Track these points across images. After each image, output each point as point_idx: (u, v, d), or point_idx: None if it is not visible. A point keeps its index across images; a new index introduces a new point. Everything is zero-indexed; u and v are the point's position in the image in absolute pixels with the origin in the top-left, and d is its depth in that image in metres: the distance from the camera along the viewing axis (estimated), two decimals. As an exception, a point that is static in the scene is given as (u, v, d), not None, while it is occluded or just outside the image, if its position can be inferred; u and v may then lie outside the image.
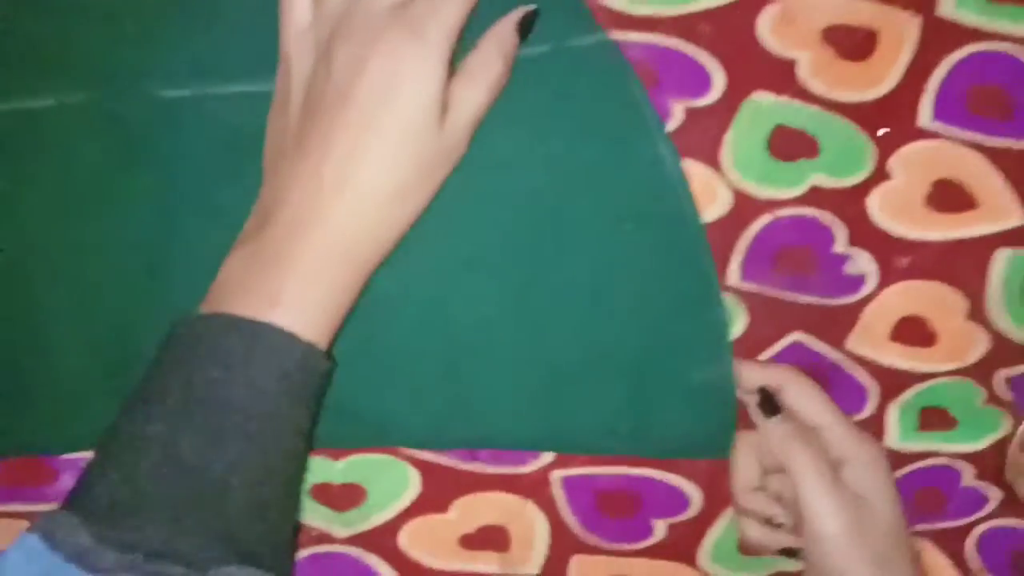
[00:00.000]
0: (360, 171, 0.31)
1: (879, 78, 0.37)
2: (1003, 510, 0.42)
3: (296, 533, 0.40)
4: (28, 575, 0.26)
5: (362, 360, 0.36)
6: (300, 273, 0.31)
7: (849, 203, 0.38)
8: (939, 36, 0.37)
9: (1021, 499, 0.41)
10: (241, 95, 0.36)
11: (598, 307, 0.38)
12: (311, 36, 0.33)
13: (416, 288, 0.37)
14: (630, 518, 0.41)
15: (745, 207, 0.38)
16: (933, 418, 0.41)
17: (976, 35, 0.36)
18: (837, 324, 0.40)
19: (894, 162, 0.38)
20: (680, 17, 0.36)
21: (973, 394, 0.41)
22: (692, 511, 0.41)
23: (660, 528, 0.41)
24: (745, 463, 0.38)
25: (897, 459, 0.41)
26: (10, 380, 0.38)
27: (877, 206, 0.38)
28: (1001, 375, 0.40)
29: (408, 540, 0.41)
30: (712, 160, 0.38)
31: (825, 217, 0.38)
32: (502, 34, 0.34)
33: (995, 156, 0.38)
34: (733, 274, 0.39)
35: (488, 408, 0.39)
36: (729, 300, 0.39)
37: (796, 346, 0.40)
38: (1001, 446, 0.41)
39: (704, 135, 0.37)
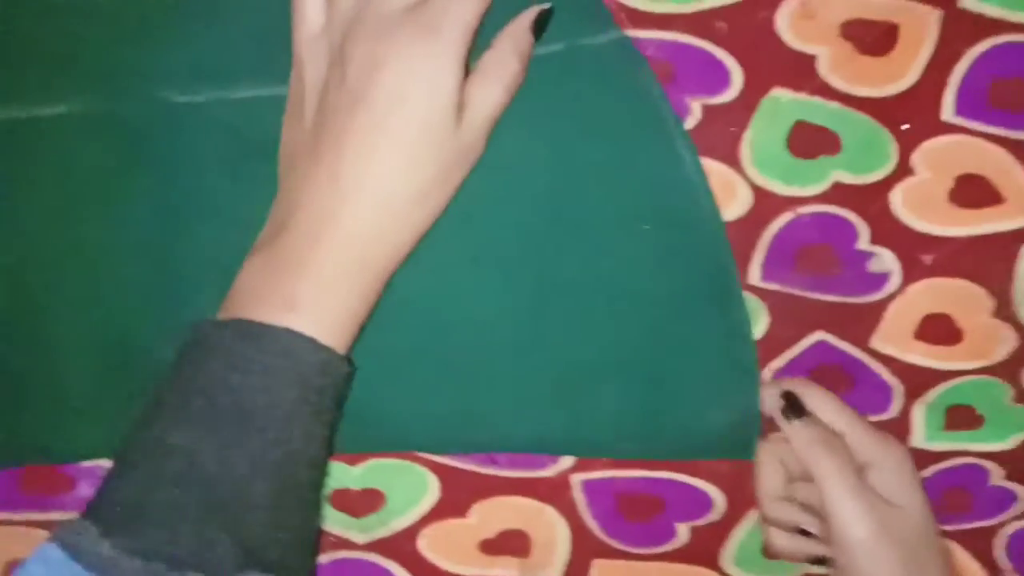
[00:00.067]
0: (376, 174, 0.31)
1: (900, 73, 0.37)
2: (1032, 510, 0.42)
3: (318, 540, 0.39)
4: (49, 586, 0.26)
5: (377, 364, 0.36)
6: (318, 278, 0.31)
7: (871, 200, 0.38)
8: (961, 29, 0.36)
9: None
10: (252, 99, 0.36)
11: (617, 308, 0.38)
12: (324, 39, 0.33)
13: (433, 290, 0.37)
14: (652, 521, 0.40)
15: (765, 205, 0.38)
16: (959, 417, 0.40)
17: (999, 27, 0.36)
18: (861, 323, 0.39)
19: (917, 158, 0.37)
20: (697, 14, 0.36)
21: (1000, 392, 0.40)
22: (715, 514, 0.40)
23: (683, 531, 0.41)
24: (769, 471, 0.38)
25: (923, 459, 0.40)
26: (24, 388, 0.38)
27: (900, 202, 0.38)
28: (1028, 373, 0.40)
29: (427, 545, 0.40)
30: (731, 158, 0.37)
31: (847, 214, 0.38)
32: (517, 33, 0.33)
33: (1019, 150, 0.37)
34: (754, 273, 0.38)
35: (506, 411, 0.38)
36: (750, 300, 0.38)
37: (820, 345, 0.39)
38: (1029, 445, 0.41)
39: (723, 133, 0.37)
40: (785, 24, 0.36)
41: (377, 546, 0.40)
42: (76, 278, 0.37)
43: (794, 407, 0.37)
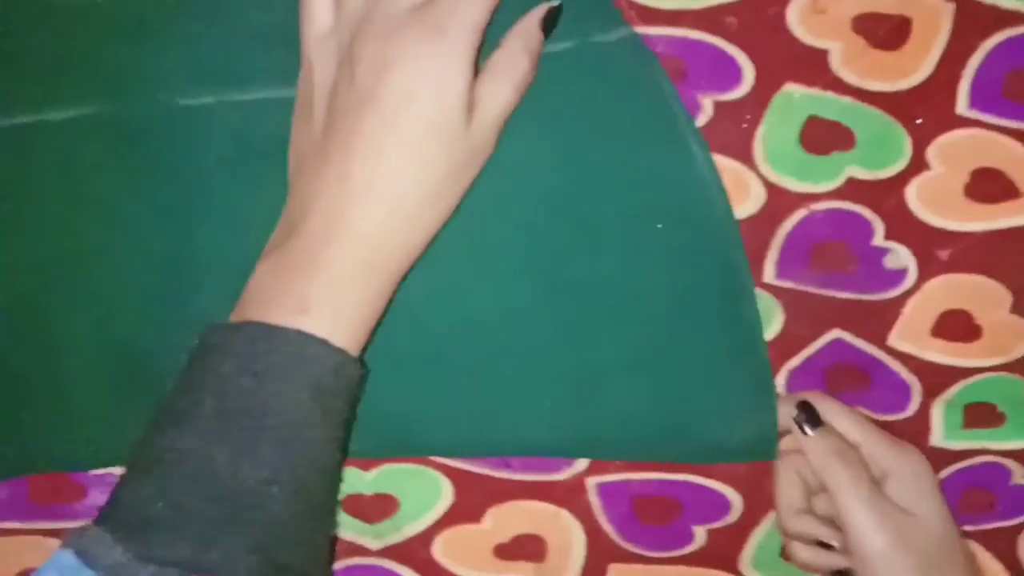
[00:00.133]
0: (386, 174, 0.31)
1: (913, 66, 0.36)
2: (1055, 509, 0.41)
3: (333, 545, 0.39)
4: (63, 593, 0.26)
5: (389, 367, 0.36)
6: (329, 280, 0.30)
7: (886, 195, 0.37)
8: (974, 21, 0.36)
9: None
10: (260, 101, 0.36)
11: (630, 308, 0.37)
12: (333, 40, 0.33)
13: (446, 292, 0.37)
14: (669, 524, 0.40)
15: (779, 202, 0.37)
16: (979, 415, 0.40)
17: (1013, 18, 0.36)
18: (878, 320, 0.38)
19: (932, 152, 0.37)
20: (707, 9, 0.36)
21: (1020, 389, 0.39)
22: (733, 516, 0.40)
23: (700, 534, 0.40)
24: (788, 484, 0.38)
25: (943, 458, 0.40)
26: (35, 396, 0.37)
27: (915, 197, 0.37)
28: (1049, 369, 0.39)
29: (442, 551, 0.40)
30: (744, 155, 0.37)
31: (862, 210, 0.37)
32: (527, 30, 0.33)
33: (1036, 143, 0.37)
34: (768, 271, 0.38)
35: (519, 414, 0.38)
36: (765, 298, 0.38)
37: (836, 343, 0.39)
38: (1052, 443, 0.40)
39: (735, 129, 0.37)
40: (796, 19, 0.36)
41: (391, 552, 0.40)
42: (85, 283, 0.37)
43: (810, 417, 0.37)
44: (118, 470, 0.37)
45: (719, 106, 0.36)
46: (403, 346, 0.36)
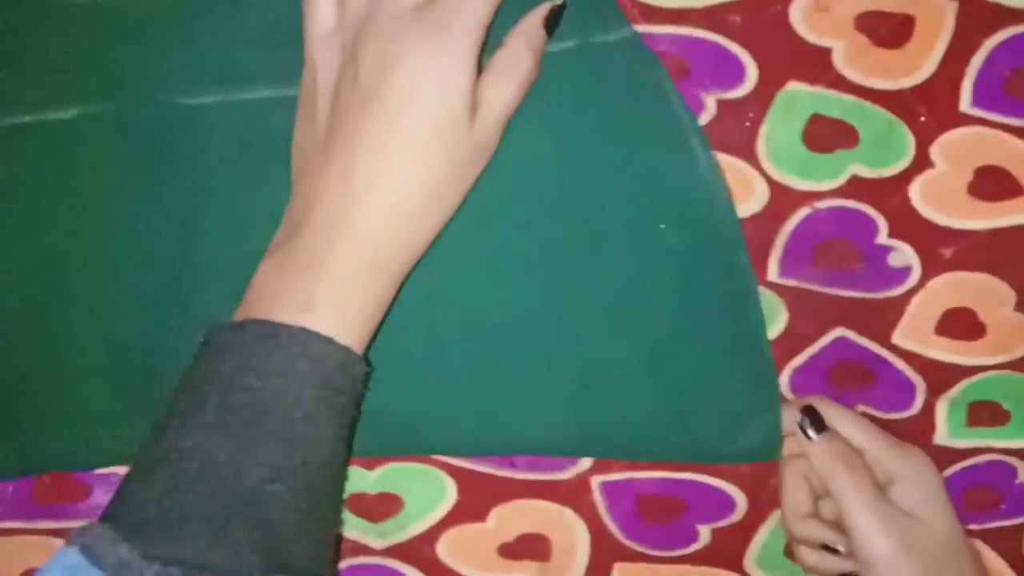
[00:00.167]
0: (389, 173, 0.31)
1: (916, 65, 0.36)
2: (1061, 508, 0.41)
3: (338, 543, 0.39)
4: (68, 591, 0.26)
5: (393, 366, 0.36)
6: (333, 278, 0.30)
7: (890, 193, 0.37)
8: (978, 19, 0.36)
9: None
10: (262, 101, 0.36)
11: (633, 308, 0.37)
12: (336, 39, 0.33)
13: (448, 291, 0.36)
14: (674, 523, 0.40)
15: (782, 201, 0.37)
16: (983, 413, 0.40)
17: (1016, 16, 0.36)
18: (882, 318, 0.38)
19: (935, 150, 0.37)
20: (710, 8, 0.36)
21: (1025, 387, 0.39)
22: (737, 515, 0.40)
23: (705, 533, 0.40)
24: (795, 489, 0.38)
25: (947, 456, 0.40)
26: (38, 396, 0.37)
27: (919, 195, 0.37)
28: (1054, 367, 0.39)
29: (446, 550, 0.40)
30: (747, 153, 0.37)
31: (866, 208, 0.37)
32: (530, 29, 0.33)
33: (1039, 141, 0.37)
34: (772, 270, 0.38)
35: (523, 413, 0.38)
36: (769, 297, 0.38)
37: (840, 342, 0.39)
38: (1057, 441, 0.40)
39: (738, 127, 0.37)
40: (799, 17, 0.36)
41: (395, 551, 0.40)
42: (88, 283, 0.36)
43: (813, 421, 0.37)
44: (122, 469, 0.37)
45: (722, 104, 0.36)
46: (406, 345, 0.36)
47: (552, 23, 0.34)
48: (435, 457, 0.39)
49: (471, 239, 0.36)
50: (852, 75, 0.36)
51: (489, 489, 0.39)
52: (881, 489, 0.36)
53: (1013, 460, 0.40)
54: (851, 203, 0.37)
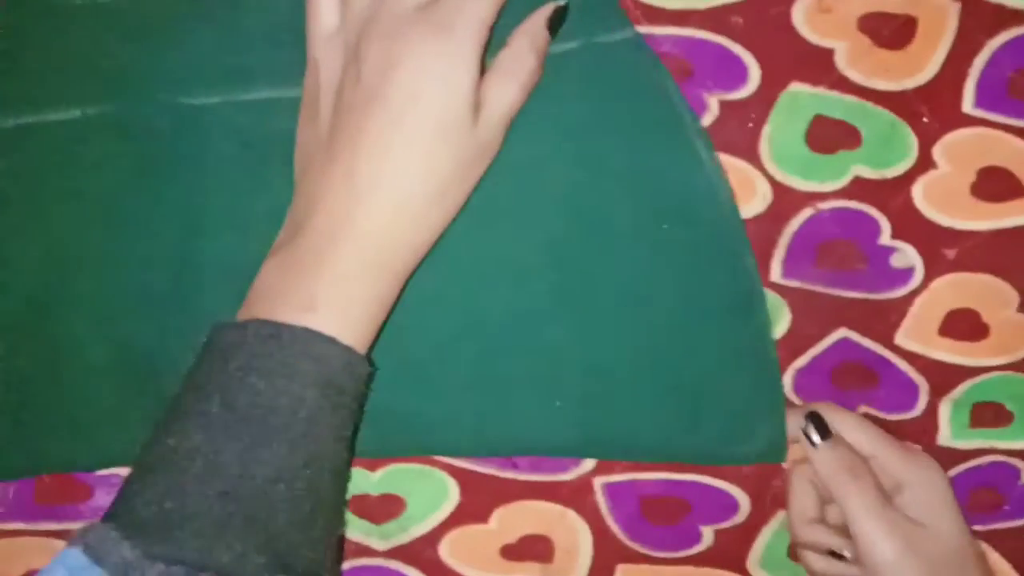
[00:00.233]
0: (392, 172, 0.31)
1: (919, 66, 0.36)
2: (1064, 509, 0.41)
3: (341, 544, 0.39)
4: (72, 591, 0.26)
5: (396, 366, 0.36)
6: (336, 278, 0.30)
7: (893, 194, 0.37)
8: (980, 20, 0.36)
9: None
10: (265, 101, 0.36)
11: (636, 308, 0.37)
12: (339, 40, 0.33)
13: (451, 292, 0.36)
14: (677, 524, 0.40)
15: (785, 201, 0.37)
16: (987, 414, 0.40)
17: (1018, 17, 0.36)
18: (885, 319, 0.38)
19: (938, 151, 0.37)
20: (712, 9, 0.36)
21: (1028, 388, 0.39)
22: (740, 516, 0.40)
23: (708, 535, 0.40)
24: (801, 494, 0.38)
25: (951, 457, 0.40)
26: (41, 396, 0.37)
27: (921, 196, 0.37)
28: (1056, 368, 0.39)
29: (448, 551, 0.40)
30: (750, 154, 0.37)
31: (869, 209, 0.37)
32: (533, 30, 0.33)
33: (1041, 142, 0.37)
34: (775, 271, 0.38)
35: (526, 414, 0.38)
36: (772, 297, 0.38)
37: (843, 342, 0.39)
38: (1060, 442, 0.40)
39: (741, 128, 0.37)
40: (802, 18, 0.36)
41: (397, 553, 0.40)
42: (90, 283, 0.36)
43: (818, 427, 0.37)
44: (124, 471, 0.37)
45: (725, 105, 0.36)
46: (408, 345, 0.36)
47: (555, 24, 0.34)
48: (437, 458, 0.39)
49: (474, 239, 0.36)
50: (855, 76, 0.36)
51: (491, 490, 0.39)
52: (886, 495, 0.36)
53: (1016, 461, 0.40)
54: (854, 204, 0.37)
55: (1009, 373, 0.39)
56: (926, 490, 0.36)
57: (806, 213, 0.37)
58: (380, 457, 0.39)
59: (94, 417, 0.37)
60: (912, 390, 0.39)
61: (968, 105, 0.37)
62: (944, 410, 0.40)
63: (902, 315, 0.38)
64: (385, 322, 0.33)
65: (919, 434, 0.39)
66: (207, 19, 0.35)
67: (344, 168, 0.31)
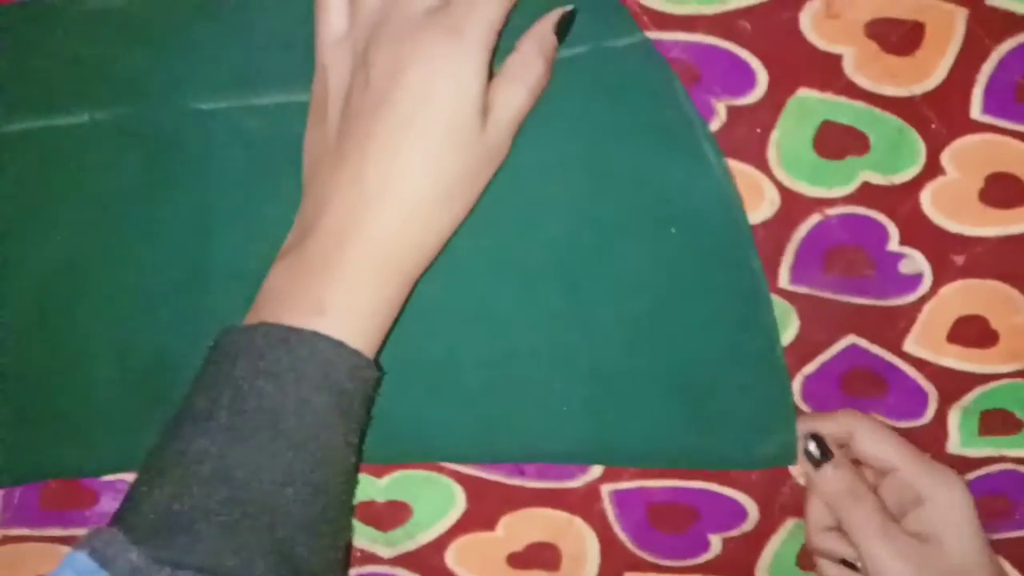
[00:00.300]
0: (401, 175, 0.31)
1: (927, 72, 0.36)
2: (1075, 517, 0.41)
3: (348, 549, 0.39)
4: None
5: (403, 372, 0.36)
6: (345, 281, 0.30)
7: (901, 200, 0.37)
8: (988, 26, 0.36)
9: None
10: (275, 106, 0.36)
11: (644, 314, 0.37)
12: (348, 44, 0.33)
13: (459, 297, 0.36)
14: (685, 532, 0.40)
15: (793, 207, 0.37)
16: (996, 421, 0.39)
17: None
18: (893, 326, 0.38)
19: (946, 157, 0.37)
20: (720, 15, 0.36)
21: (1038, 395, 0.39)
22: (749, 524, 0.39)
23: (716, 543, 0.40)
24: (818, 503, 0.37)
25: (960, 465, 0.39)
26: (47, 401, 0.37)
27: (930, 202, 0.37)
28: (1067, 376, 0.39)
29: (455, 559, 0.40)
30: (758, 159, 0.37)
31: (877, 215, 0.37)
32: (541, 34, 0.33)
33: (1050, 148, 0.37)
34: (783, 277, 0.38)
35: (534, 420, 0.38)
36: (780, 304, 0.38)
37: (852, 349, 0.38)
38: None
39: (749, 134, 0.37)
40: (809, 24, 0.36)
41: (403, 560, 0.39)
42: (98, 288, 0.36)
43: (819, 446, 0.37)
44: (129, 476, 0.37)
45: (733, 111, 0.36)
46: (416, 351, 0.36)
47: (563, 29, 0.34)
48: (444, 465, 0.39)
49: (482, 244, 0.36)
50: (862, 81, 0.36)
51: (498, 497, 0.39)
52: (891, 515, 0.36)
53: (1027, 469, 0.40)
54: (862, 210, 0.37)
55: (1018, 380, 0.39)
56: (946, 506, 0.36)
57: (814, 219, 0.37)
58: (387, 463, 0.38)
59: (100, 422, 0.37)
60: (921, 397, 0.39)
61: (976, 111, 0.37)
62: (953, 418, 0.39)
63: (911, 321, 0.38)
64: (393, 326, 0.32)
65: (928, 442, 0.39)
66: (216, 24, 0.36)
67: (352, 172, 0.31)
